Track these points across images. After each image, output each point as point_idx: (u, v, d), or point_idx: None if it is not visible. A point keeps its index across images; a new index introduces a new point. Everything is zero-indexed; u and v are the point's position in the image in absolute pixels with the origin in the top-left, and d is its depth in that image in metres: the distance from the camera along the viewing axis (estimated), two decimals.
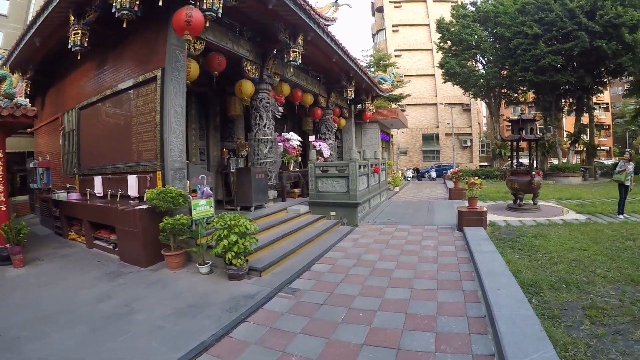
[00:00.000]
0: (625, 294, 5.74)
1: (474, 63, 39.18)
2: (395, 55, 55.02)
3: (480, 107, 66.90)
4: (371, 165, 14.51)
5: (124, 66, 9.60)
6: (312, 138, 16.39)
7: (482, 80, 38.08)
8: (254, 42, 11.62)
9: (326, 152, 15.88)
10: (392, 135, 37.24)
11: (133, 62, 9.26)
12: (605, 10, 28.19)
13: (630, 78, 38.23)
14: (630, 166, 13.33)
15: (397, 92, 38.92)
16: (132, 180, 8.84)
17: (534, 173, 14.23)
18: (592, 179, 34.15)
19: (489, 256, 7.29)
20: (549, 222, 12.04)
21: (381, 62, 42.23)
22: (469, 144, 56.93)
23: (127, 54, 9.49)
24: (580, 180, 31.64)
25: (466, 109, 57.24)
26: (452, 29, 37.42)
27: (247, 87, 11.47)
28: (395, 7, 59.19)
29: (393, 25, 58.93)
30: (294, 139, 14.17)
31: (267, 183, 11.12)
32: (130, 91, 9.32)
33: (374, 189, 14.83)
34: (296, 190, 14.14)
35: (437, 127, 57.06)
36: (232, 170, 11.22)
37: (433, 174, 41.35)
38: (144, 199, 7.84)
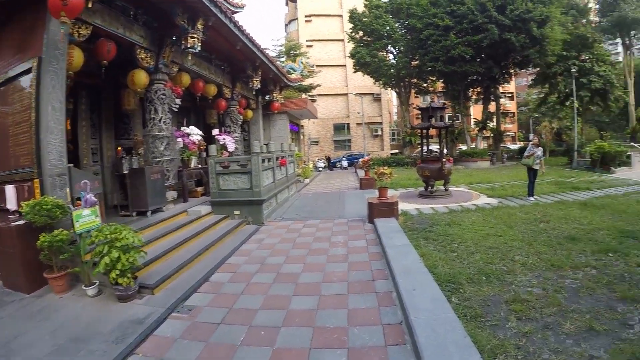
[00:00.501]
0: (548, 282, 5.78)
1: (385, 53, 40.06)
2: (307, 46, 55.07)
3: (391, 97, 68.58)
4: (277, 158, 14.12)
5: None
6: (215, 131, 15.60)
7: (392, 70, 39.26)
8: (150, 27, 10.56)
9: (231, 146, 15.18)
10: (302, 126, 37.17)
11: (9, 52, 8.05)
12: (516, 6, 30.42)
13: (535, 70, 41.53)
14: (539, 151, 14.16)
15: (307, 82, 38.95)
16: (10, 191, 7.51)
17: (444, 160, 14.56)
18: (500, 162, 37.08)
19: (402, 250, 7.10)
20: (461, 207, 12.48)
21: (292, 52, 41.94)
22: (379, 132, 58.28)
23: (3, 43, 8.35)
24: (488, 164, 34.05)
25: (377, 98, 58.41)
26: (365, 20, 38.04)
27: (141, 77, 10.34)
28: None
29: (306, 15, 58.74)
30: (195, 133, 13.36)
31: (164, 184, 10.26)
32: (4, 86, 8.19)
33: (281, 183, 14.50)
34: (199, 189, 13.40)
35: (348, 116, 57.83)
36: (125, 172, 10.25)
37: (345, 163, 42.01)
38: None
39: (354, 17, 39.12)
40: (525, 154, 14.27)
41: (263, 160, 11.92)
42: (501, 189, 16.65)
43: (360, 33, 39.43)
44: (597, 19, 46.55)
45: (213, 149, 12.01)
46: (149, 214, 9.42)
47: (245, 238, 9.62)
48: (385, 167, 11.49)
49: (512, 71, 40.93)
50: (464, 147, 41.14)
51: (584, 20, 42.74)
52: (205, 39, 10.81)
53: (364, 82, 52.15)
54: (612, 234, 8.41)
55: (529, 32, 30.82)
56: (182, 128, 13.43)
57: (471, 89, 41.84)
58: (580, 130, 40.41)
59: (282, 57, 41.73)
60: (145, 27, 10.42)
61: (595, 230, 8.80)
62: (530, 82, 50.23)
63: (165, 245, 7.82)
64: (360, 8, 39.95)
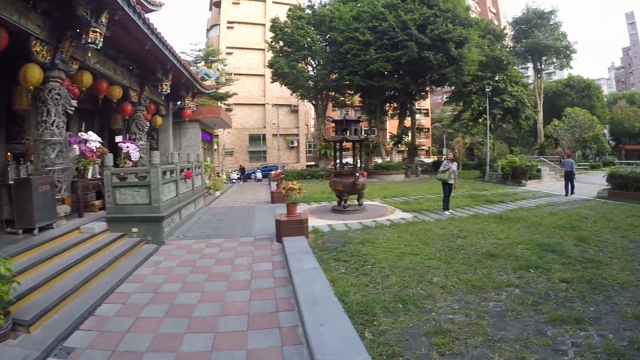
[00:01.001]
0: (470, 306, 5.47)
1: (304, 65, 40.08)
2: (227, 53, 54.92)
3: (309, 109, 68.84)
4: (182, 170, 13.23)
5: None
6: (118, 138, 14.37)
7: (310, 82, 39.25)
8: (50, 17, 9.24)
9: (135, 155, 13.99)
10: (217, 135, 36.33)
11: None
12: (436, 26, 31.78)
13: (451, 88, 44.26)
14: (454, 165, 14.47)
15: (223, 90, 38.30)
16: None
17: (357, 174, 14.44)
18: (414, 175, 38.50)
19: (311, 275, 6.57)
20: (375, 223, 12.25)
21: (210, 58, 40.96)
22: (295, 144, 58.46)
23: None
24: (403, 178, 34.89)
25: (294, 110, 58.65)
26: (286, 30, 37.82)
27: (34, 72, 8.95)
28: (234, 3, 58.95)
29: (228, 22, 58.46)
30: (93, 139, 11.95)
31: (54, 196, 8.99)
32: None
33: (186, 196, 13.53)
34: (97, 202, 11.84)
35: (265, 127, 57.63)
36: (11, 182, 8.84)
37: (259, 175, 41.68)
38: None
39: (275, 26, 38.90)
40: (441, 168, 14.49)
41: (164, 173, 11.01)
42: (416, 203, 16.90)
43: (281, 43, 39.18)
44: (511, 44, 50.69)
45: (110, 158, 10.78)
46: (35, 231, 8.17)
47: (141, 260, 8.62)
48: (295, 182, 11.13)
49: (428, 88, 43.15)
50: (379, 161, 41.95)
51: (499, 45, 45.92)
52: (110, 34, 9.79)
53: (282, 93, 52.04)
54: (530, 248, 8.56)
55: (447, 52, 32.27)
56: (79, 133, 12.10)
57: (388, 104, 43.18)
58: (492, 146, 43.03)
59: (200, 62, 40.69)
60: (44, 16, 9.08)
61: (513, 245, 8.91)
62: (446, 100, 54.28)
63: (49, 270, 6.71)
64: (284, 18, 39.87)
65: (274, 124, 53.51)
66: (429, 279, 6.65)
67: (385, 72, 33.13)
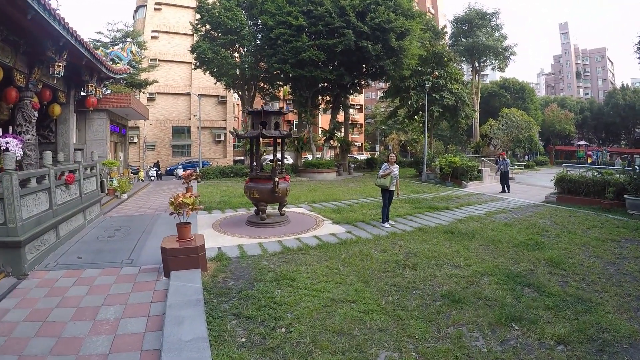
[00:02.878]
0: None
1: (230, 51, 37.06)
2: (153, 37, 52.69)
3: (239, 101, 66.58)
4: (62, 173, 10.85)
5: None
6: None
7: (236, 70, 36.58)
8: None
9: (17, 152, 11.52)
10: (137, 127, 33.48)
11: None
12: (377, 14, 30.49)
13: (387, 84, 43.31)
14: (396, 169, 12.61)
15: (145, 77, 35.70)
16: None
17: (276, 179, 12.00)
18: (347, 173, 37.36)
19: (189, 357, 4.39)
20: (299, 243, 10.05)
21: (128, 40, 37.97)
22: (222, 138, 55.98)
23: None
24: (334, 176, 33.56)
25: (222, 101, 56.47)
26: (214, 11, 34.71)
27: None
28: None
29: (156, 3, 55.38)
30: None
31: None
32: None
33: (67, 207, 10.78)
34: None
35: (190, 119, 54.94)
36: None
37: (180, 171, 38.60)
38: None
39: (202, 7, 35.89)
40: (380, 173, 12.57)
41: (27, 180, 8.62)
42: (350, 210, 15.19)
43: (207, 26, 36.33)
44: (449, 42, 51.18)
45: None
46: None
47: None
48: (188, 195, 8.88)
49: (364, 82, 42.01)
50: (310, 157, 40.83)
51: (440, 42, 46.51)
52: None
53: (210, 82, 48.63)
54: (500, 282, 6.98)
55: (387, 43, 30.94)
56: None
57: (320, 97, 41.70)
58: (429, 144, 42.30)
59: (118, 44, 37.91)
60: None
61: (477, 277, 7.28)
62: (381, 95, 53.45)
63: None
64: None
65: (195, 115, 51.16)
66: (373, 353, 4.65)
67: (319, 62, 31.83)
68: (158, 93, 51.19)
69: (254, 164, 13.78)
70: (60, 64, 13.72)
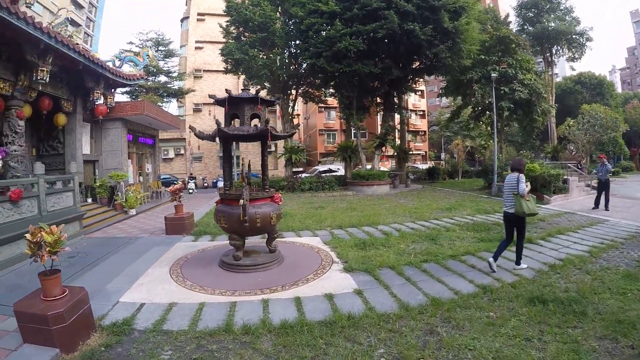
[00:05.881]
0: None
1: (262, 50, 33.57)
2: (197, 48, 52.99)
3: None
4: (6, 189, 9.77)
5: None
6: None
7: (267, 71, 32.56)
8: None
9: None
10: (182, 138, 32.32)
11: None
12: None
13: (446, 78, 37.48)
14: (523, 181, 8.14)
15: (185, 85, 34.53)
16: None
17: (244, 201, 8.17)
18: (403, 185, 33.66)
19: None
20: (255, 316, 6.11)
21: (160, 48, 37.35)
22: (273, 148, 54.25)
23: None
24: (387, 189, 29.90)
25: (271, 110, 54.87)
26: (242, 10, 31.67)
27: None
28: None
29: (199, 14, 55.69)
30: None
31: None
32: None
33: (15, 227, 9.62)
34: None
35: None
36: None
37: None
38: None
39: (230, 7, 32.70)
40: (523, 187, 7.98)
41: None
42: (381, 244, 10.69)
43: (240, 29, 33.63)
44: (515, 31, 44.89)
45: None
46: None
47: None
48: (56, 230, 5.36)
49: (418, 78, 37.67)
50: (369, 167, 36.57)
51: (505, 27, 39.92)
52: None
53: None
54: None
55: (439, 24, 26.16)
56: None
57: (369, 97, 35.74)
58: (500, 149, 36.72)
59: (151, 50, 37.86)
60: None
61: None
62: (440, 91, 44.48)
63: None
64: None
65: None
66: None
67: (358, 53, 27.53)
68: (204, 104, 51.05)
69: (227, 179, 9.88)
70: (44, 68, 13.24)
